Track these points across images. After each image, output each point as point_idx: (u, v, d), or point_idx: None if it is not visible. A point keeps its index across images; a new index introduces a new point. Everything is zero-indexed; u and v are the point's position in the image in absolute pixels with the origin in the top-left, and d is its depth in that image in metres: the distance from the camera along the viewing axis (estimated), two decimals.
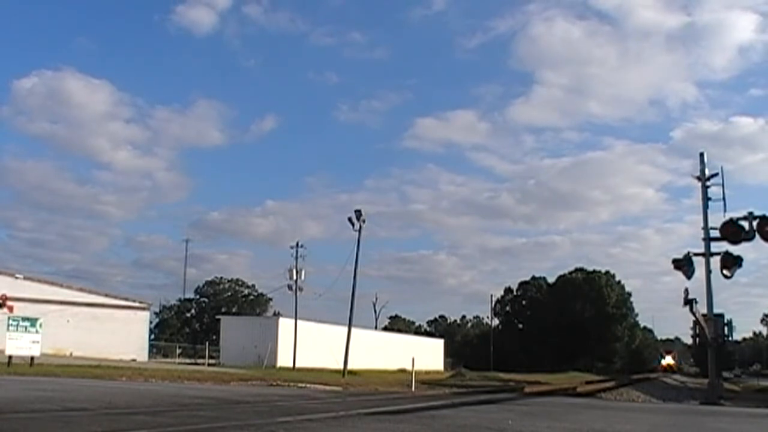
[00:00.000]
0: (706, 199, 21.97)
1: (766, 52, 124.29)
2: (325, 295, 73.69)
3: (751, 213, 20.44)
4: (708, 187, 22.06)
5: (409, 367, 24.95)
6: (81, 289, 46.27)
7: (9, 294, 29.22)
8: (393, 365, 45.42)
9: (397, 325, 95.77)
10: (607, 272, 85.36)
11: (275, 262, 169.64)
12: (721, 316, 22.69)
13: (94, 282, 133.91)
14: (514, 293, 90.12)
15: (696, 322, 24.18)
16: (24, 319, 24.16)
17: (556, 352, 75.99)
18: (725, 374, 49.21)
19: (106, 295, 47.21)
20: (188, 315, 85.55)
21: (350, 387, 23.51)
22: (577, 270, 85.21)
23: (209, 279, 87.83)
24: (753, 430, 11.50)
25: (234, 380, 22.62)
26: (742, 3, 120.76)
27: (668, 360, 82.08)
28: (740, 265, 20.88)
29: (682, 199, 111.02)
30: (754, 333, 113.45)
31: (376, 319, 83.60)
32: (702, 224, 22.00)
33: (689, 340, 62.78)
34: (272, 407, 11.06)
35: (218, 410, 10.05)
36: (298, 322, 45.91)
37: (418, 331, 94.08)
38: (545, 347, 77.46)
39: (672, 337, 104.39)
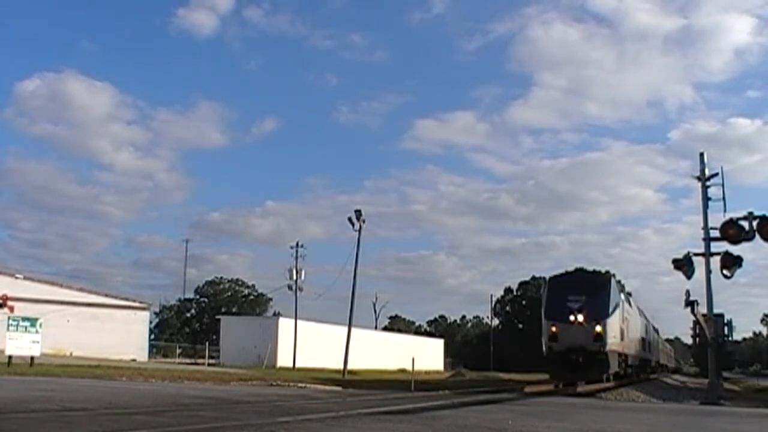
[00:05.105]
0: (706, 199, 21.96)
1: (762, 54, 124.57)
2: (325, 295, 73.84)
3: (751, 213, 20.44)
4: (708, 187, 22.05)
5: (409, 367, 24.94)
6: (81, 289, 46.28)
7: (9, 294, 29.21)
8: (393, 365, 45.40)
9: (397, 325, 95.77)
10: (607, 272, 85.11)
11: (275, 262, 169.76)
12: (721, 316, 22.69)
13: (95, 282, 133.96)
14: (514, 293, 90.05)
15: (696, 322, 24.20)
16: (24, 319, 24.17)
17: None
18: (727, 374, 49.00)
19: (106, 295, 47.22)
20: (188, 315, 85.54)
21: (350, 387, 23.50)
22: (576, 270, 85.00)
23: (209, 279, 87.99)
24: (753, 430, 11.50)
25: (234, 380, 22.62)
26: (739, 6, 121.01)
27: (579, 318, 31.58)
28: (740, 265, 20.88)
29: (681, 199, 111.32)
30: (754, 333, 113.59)
31: (376, 319, 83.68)
32: (702, 224, 21.99)
33: (689, 340, 62.55)
34: (272, 407, 11.06)
35: (218, 410, 10.05)
36: (298, 322, 45.91)
37: (418, 331, 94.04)
38: None
39: (672, 337, 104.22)
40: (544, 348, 25.12)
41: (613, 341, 24.47)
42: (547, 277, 27.47)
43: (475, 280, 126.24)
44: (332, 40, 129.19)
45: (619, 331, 25.68)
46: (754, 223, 20.20)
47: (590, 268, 31.18)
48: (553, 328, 24.64)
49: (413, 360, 24.42)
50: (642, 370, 37.27)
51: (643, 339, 36.17)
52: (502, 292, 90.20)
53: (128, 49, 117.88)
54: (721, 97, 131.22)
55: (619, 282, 26.98)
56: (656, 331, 50.35)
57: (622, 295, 27.84)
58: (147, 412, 8.97)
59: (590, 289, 25.08)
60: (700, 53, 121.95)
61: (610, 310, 24.69)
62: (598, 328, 23.87)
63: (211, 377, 23.66)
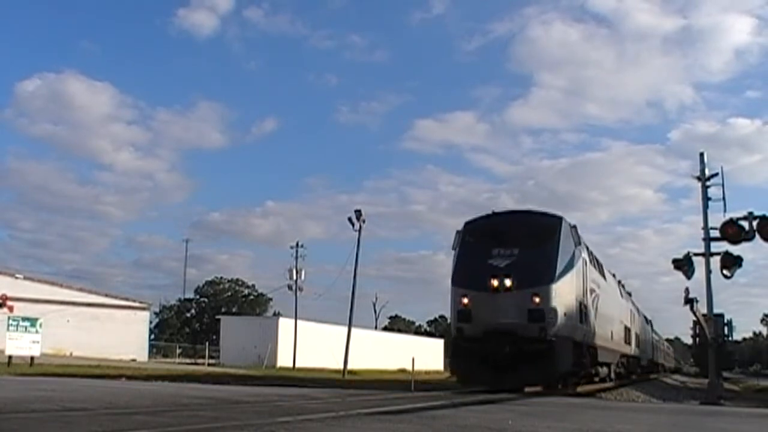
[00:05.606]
0: (706, 199, 21.93)
1: (762, 54, 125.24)
2: (325, 295, 74.24)
3: (751, 213, 20.43)
4: (708, 187, 22.04)
5: (409, 367, 24.93)
6: (81, 289, 46.33)
7: (9, 294, 29.25)
8: (393, 365, 45.42)
9: (397, 325, 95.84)
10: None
11: (275, 262, 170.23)
12: (721, 316, 22.69)
13: (95, 282, 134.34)
14: None
15: (696, 322, 24.20)
16: (24, 319, 24.20)
17: None
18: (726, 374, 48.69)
19: (106, 295, 47.26)
20: (188, 315, 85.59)
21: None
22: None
23: (209, 279, 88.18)
24: (753, 430, 11.49)
25: (233, 380, 22.59)
26: (738, 6, 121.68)
27: None
28: (740, 265, 20.86)
29: (681, 199, 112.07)
30: (754, 333, 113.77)
31: (376, 319, 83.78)
32: (702, 224, 21.97)
33: (689, 340, 62.45)
34: (272, 407, 11.05)
35: (218, 410, 10.04)
36: (298, 322, 45.94)
37: (418, 331, 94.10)
38: None
39: (672, 337, 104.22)
40: (452, 332, 16.56)
41: (563, 321, 15.40)
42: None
43: None
44: (332, 40, 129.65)
45: (576, 306, 16.32)
46: (754, 223, 20.18)
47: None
48: (465, 300, 15.62)
49: (413, 360, 24.42)
50: (627, 372, 27.84)
51: (627, 329, 26.65)
52: None
53: (128, 49, 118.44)
54: (721, 97, 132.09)
55: (575, 228, 17.03)
56: (650, 323, 42.71)
57: (584, 253, 17.84)
58: (147, 412, 8.96)
59: (526, 238, 15.87)
60: (700, 53, 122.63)
61: (558, 270, 15.47)
62: (537, 299, 15.00)
63: (210, 377, 23.66)
